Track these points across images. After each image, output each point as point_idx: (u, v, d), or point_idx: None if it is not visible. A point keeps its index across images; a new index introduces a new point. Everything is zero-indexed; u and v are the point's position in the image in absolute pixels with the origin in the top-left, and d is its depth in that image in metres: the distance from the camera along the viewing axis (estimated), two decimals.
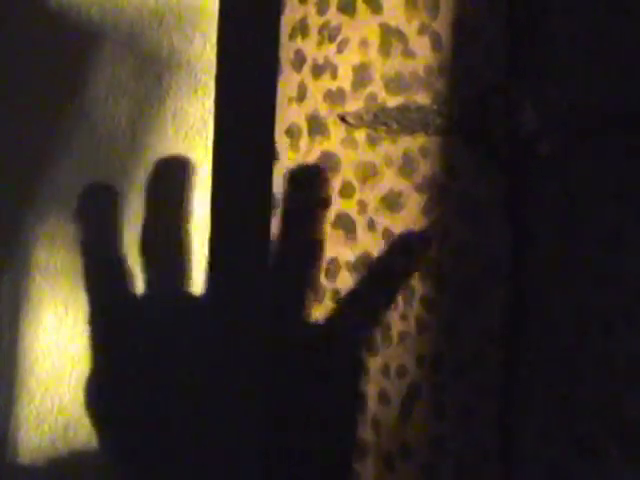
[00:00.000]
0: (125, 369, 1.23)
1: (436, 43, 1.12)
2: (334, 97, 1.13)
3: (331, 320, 1.12)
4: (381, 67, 1.12)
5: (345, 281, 1.13)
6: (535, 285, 1.11)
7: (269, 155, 1.15)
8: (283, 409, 1.15)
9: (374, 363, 1.12)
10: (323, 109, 1.13)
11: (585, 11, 1.10)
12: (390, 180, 1.12)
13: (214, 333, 1.20)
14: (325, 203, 1.12)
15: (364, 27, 1.13)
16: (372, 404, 1.12)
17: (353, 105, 1.13)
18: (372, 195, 1.12)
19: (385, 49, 1.12)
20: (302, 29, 1.14)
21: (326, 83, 1.14)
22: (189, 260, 1.22)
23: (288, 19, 1.15)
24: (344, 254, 1.13)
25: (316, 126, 1.14)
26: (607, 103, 1.09)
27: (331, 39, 1.13)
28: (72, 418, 1.25)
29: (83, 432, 1.25)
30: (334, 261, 1.13)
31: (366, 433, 1.12)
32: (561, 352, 1.10)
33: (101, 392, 1.24)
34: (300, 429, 1.14)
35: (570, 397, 1.11)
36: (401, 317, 1.11)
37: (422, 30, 1.12)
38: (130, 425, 1.24)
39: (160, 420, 1.23)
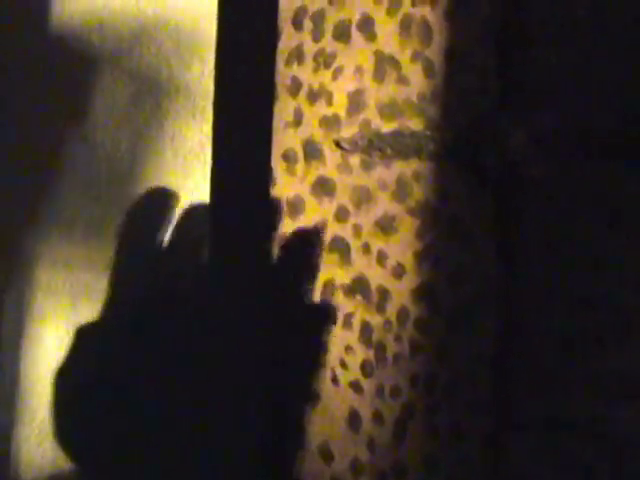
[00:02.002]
0: (125, 373, 1.25)
1: (429, 70, 1.14)
2: (329, 123, 1.15)
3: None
4: (375, 93, 1.15)
5: (340, 303, 1.15)
6: (525, 306, 1.13)
7: (266, 179, 1.17)
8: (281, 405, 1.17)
9: (369, 384, 1.14)
10: (318, 134, 1.16)
11: (575, 39, 1.12)
12: (384, 204, 1.14)
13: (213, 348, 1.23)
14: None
15: (359, 54, 1.15)
16: (367, 424, 1.14)
17: (348, 131, 1.15)
18: (366, 219, 1.15)
19: (379, 76, 1.15)
20: (298, 56, 1.16)
21: (321, 109, 1.16)
22: (187, 281, 1.24)
23: (284, 46, 1.17)
24: (339, 277, 1.15)
25: (312, 151, 1.16)
26: (595, 129, 1.11)
27: (326, 66, 1.16)
28: None
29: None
30: (329, 283, 1.15)
31: (361, 453, 1.14)
32: (551, 371, 1.13)
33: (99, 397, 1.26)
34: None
35: (561, 416, 1.13)
36: (395, 339, 1.13)
37: (415, 57, 1.14)
38: (129, 431, 1.26)
39: (161, 423, 1.25)
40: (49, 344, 1.28)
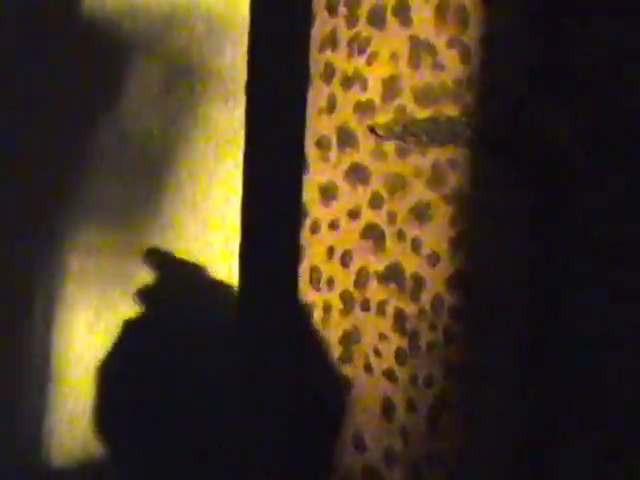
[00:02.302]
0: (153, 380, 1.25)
1: (465, 56, 1.12)
2: (364, 109, 1.14)
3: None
4: (410, 79, 1.13)
5: (374, 290, 1.14)
6: (565, 296, 1.12)
7: (299, 165, 1.16)
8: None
9: (402, 372, 1.13)
10: (353, 121, 1.15)
11: (621, 26, 1.11)
12: (419, 191, 1.13)
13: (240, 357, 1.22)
14: None
15: (394, 39, 1.14)
16: (400, 413, 1.13)
17: (382, 117, 1.14)
18: (401, 206, 1.13)
19: (414, 61, 1.13)
20: (332, 41, 1.15)
21: (356, 95, 1.15)
22: (219, 273, 1.24)
23: (318, 31, 1.16)
24: (373, 264, 1.14)
25: (346, 137, 1.15)
26: (636, 118, 1.10)
27: (361, 51, 1.14)
28: None
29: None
30: (363, 270, 1.14)
31: (394, 442, 1.13)
32: (590, 364, 1.11)
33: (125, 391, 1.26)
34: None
35: (599, 407, 1.12)
36: (430, 327, 1.12)
37: (451, 43, 1.13)
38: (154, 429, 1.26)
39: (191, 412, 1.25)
40: (79, 329, 1.28)
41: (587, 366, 1.12)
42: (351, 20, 1.14)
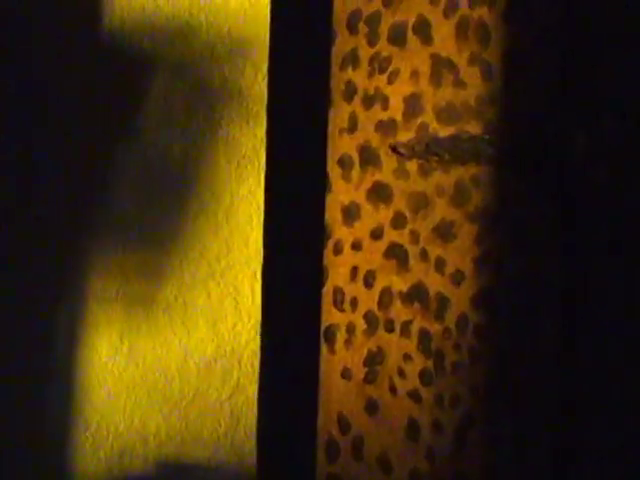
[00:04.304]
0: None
1: (487, 73, 1.12)
2: (385, 127, 1.14)
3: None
4: (432, 97, 1.13)
5: (398, 311, 1.13)
6: (589, 313, 1.11)
7: (321, 185, 1.16)
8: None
9: (428, 393, 1.12)
10: (374, 140, 1.14)
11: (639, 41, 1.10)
12: (442, 210, 1.12)
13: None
14: None
15: (415, 57, 1.13)
16: (426, 434, 1.12)
17: (404, 135, 1.13)
18: (424, 225, 1.13)
19: (436, 79, 1.13)
20: (353, 60, 1.14)
21: (377, 114, 1.14)
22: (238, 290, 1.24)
23: (339, 50, 1.15)
24: (397, 284, 1.13)
25: (367, 157, 1.14)
26: None
27: (382, 70, 1.14)
28: (127, 445, 1.27)
29: (138, 459, 1.26)
30: (387, 291, 1.13)
31: (420, 463, 1.12)
32: (616, 382, 1.10)
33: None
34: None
35: (625, 427, 1.11)
36: (454, 347, 1.12)
37: (473, 60, 1.12)
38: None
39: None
40: (103, 352, 1.28)
41: (614, 386, 1.11)
42: (372, 38, 1.14)
